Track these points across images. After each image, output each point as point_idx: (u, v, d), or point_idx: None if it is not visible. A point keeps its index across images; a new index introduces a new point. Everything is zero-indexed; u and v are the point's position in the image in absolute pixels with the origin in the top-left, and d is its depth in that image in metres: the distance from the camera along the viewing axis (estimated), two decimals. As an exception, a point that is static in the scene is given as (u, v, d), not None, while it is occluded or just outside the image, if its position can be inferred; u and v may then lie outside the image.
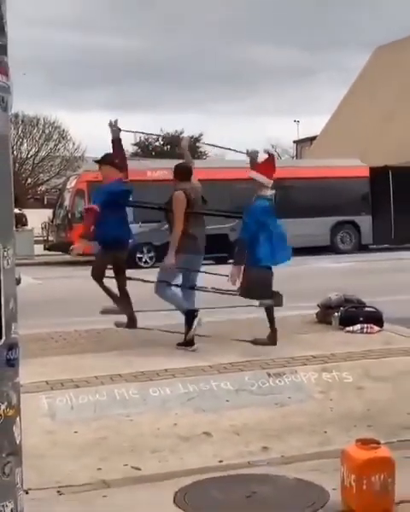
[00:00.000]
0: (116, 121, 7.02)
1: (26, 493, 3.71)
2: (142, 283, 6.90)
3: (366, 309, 7.58)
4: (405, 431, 4.65)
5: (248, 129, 78.91)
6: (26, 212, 27.16)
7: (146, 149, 51.73)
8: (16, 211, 21.32)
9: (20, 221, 18.55)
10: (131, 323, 6.95)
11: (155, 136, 51.87)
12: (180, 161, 7.21)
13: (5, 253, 2.76)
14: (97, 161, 7.06)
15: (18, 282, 3.02)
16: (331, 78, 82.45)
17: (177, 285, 6.63)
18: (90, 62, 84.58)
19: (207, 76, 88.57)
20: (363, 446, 3.44)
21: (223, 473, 3.97)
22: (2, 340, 2.74)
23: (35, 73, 68.79)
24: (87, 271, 7.03)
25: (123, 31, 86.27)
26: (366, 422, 4.85)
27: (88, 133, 74.35)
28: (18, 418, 2.83)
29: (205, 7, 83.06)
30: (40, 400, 5.10)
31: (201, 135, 53.56)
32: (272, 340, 6.58)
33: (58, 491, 3.80)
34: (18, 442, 2.83)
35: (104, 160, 6.91)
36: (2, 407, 2.74)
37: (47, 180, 43.57)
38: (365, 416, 5.02)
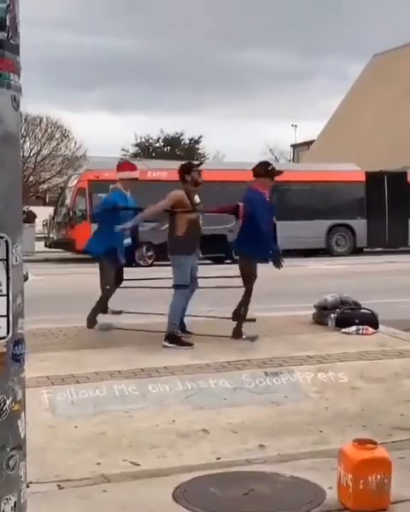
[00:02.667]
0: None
1: (28, 487, 3.77)
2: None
3: (362, 311, 7.65)
4: (399, 432, 4.72)
5: (247, 132, 79.14)
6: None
7: (146, 150, 51.88)
8: (27, 208, 21.45)
9: (31, 219, 18.63)
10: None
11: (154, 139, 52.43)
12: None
13: (14, 250, 2.80)
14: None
15: (25, 278, 3.07)
16: (329, 84, 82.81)
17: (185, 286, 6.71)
18: (89, 63, 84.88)
19: (204, 79, 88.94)
20: (360, 446, 3.49)
21: (221, 470, 4.01)
22: (10, 336, 2.78)
23: (36, 73, 68.83)
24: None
25: (119, 32, 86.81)
26: (360, 422, 4.91)
27: (90, 133, 74.55)
28: (23, 413, 2.88)
29: (202, 10, 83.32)
30: (41, 395, 5.14)
31: (200, 137, 53.76)
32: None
33: (58, 486, 3.83)
34: (22, 436, 2.87)
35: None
36: (8, 402, 2.77)
37: (49, 178, 43.71)
38: (359, 416, 5.09)
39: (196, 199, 6.78)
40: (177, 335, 6.60)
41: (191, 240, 6.64)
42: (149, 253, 19.45)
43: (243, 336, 6.80)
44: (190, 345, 6.53)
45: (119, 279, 7.25)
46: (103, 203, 7.39)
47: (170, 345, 6.53)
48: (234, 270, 6.93)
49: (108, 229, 7.00)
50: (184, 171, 6.74)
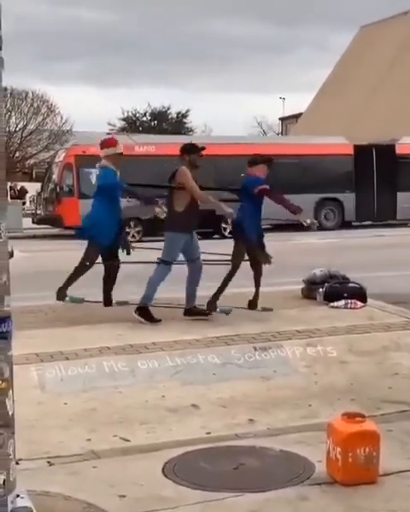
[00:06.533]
0: None
1: (17, 464, 3.77)
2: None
3: (350, 285, 7.66)
4: (387, 404, 4.75)
5: (234, 106, 78.62)
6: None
7: (134, 125, 51.53)
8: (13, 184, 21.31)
9: (22, 195, 18.56)
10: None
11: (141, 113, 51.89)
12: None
13: (-2, 227, 2.77)
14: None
15: (11, 255, 3.03)
16: (311, 56, 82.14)
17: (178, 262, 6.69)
18: (71, 36, 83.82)
19: (188, 52, 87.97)
20: (349, 420, 3.51)
21: (210, 444, 4.03)
22: (-5, 313, 2.76)
23: (20, 47, 67.84)
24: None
25: (101, 5, 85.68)
26: (349, 396, 4.93)
27: (75, 107, 73.80)
28: (10, 391, 2.86)
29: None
30: (30, 372, 5.13)
31: (188, 111, 53.42)
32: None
33: (48, 462, 3.85)
34: (10, 414, 2.86)
35: None
36: (-5, 379, 2.77)
37: (35, 154, 43.28)
38: (348, 389, 5.11)
39: None
40: (147, 308, 6.58)
41: (190, 217, 6.57)
42: (138, 229, 19.42)
43: (217, 309, 6.85)
44: (158, 321, 6.51)
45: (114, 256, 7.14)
46: (104, 184, 7.02)
47: (138, 317, 6.53)
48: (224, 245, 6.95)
49: (105, 211, 6.86)
50: (187, 151, 6.67)
